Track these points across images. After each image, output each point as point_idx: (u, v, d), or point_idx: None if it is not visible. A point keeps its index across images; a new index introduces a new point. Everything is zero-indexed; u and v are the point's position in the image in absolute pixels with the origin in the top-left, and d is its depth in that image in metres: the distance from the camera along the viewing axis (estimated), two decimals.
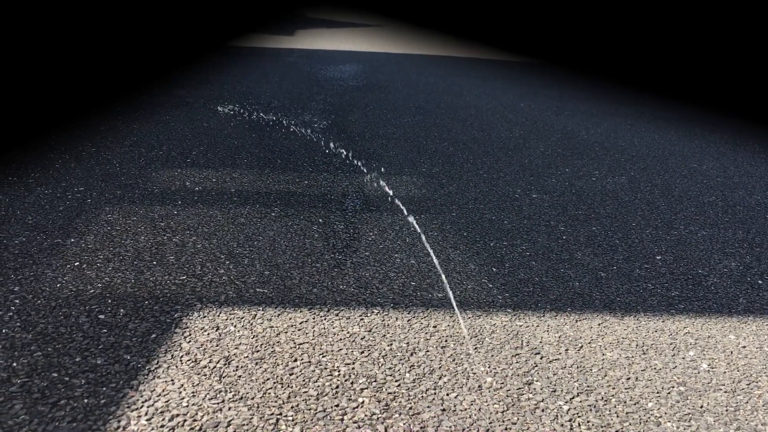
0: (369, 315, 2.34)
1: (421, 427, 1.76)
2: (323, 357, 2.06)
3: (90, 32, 6.05)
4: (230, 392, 1.85)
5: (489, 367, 2.08)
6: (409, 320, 2.32)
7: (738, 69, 8.60)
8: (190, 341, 2.08)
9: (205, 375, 1.92)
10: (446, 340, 2.21)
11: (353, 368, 2.01)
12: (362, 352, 2.10)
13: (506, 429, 1.78)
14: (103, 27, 6.38)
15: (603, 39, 11.42)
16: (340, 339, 2.17)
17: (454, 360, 2.10)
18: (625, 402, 1.94)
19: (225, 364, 1.98)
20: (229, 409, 1.77)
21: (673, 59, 9.75)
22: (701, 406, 1.94)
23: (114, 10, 6.59)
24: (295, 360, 2.03)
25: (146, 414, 1.72)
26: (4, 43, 4.32)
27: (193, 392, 1.83)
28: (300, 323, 2.24)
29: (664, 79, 9.46)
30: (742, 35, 8.53)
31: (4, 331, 2.05)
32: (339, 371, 1.99)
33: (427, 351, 2.14)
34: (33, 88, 4.81)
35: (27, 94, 4.72)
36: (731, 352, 2.27)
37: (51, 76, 5.17)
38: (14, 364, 1.88)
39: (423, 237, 3.05)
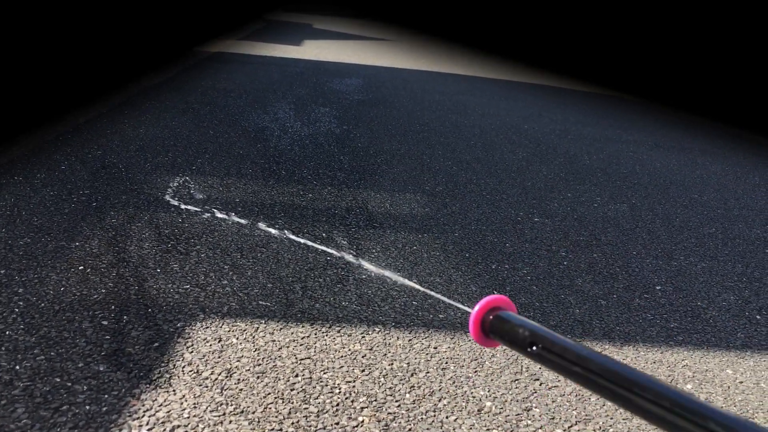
0: (370, 333, 2.35)
1: None
2: (324, 374, 2.07)
3: (99, 30, 6.08)
4: (231, 405, 1.85)
5: (489, 391, 2.09)
6: (410, 340, 2.34)
7: (742, 99, 8.67)
8: (192, 352, 2.09)
9: (207, 387, 1.92)
10: (447, 362, 2.22)
11: (354, 386, 2.02)
12: (363, 371, 2.11)
13: None
14: (112, 27, 6.41)
15: (609, 63, 11.52)
16: (342, 356, 2.18)
17: (454, 383, 2.11)
18: None
19: (227, 377, 1.98)
20: (230, 422, 1.78)
21: (678, 87, 9.84)
22: None
23: (117, 12, 6.63)
24: (297, 375, 2.04)
25: (147, 423, 1.73)
26: (7, 44, 4.35)
27: (194, 403, 1.84)
28: (302, 338, 2.25)
29: (668, 107, 9.52)
30: (748, 64, 8.61)
31: (7, 333, 2.05)
32: (340, 389, 2.00)
33: (428, 372, 2.15)
34: (33, 89, 4.82)
35: (26, 95, 4.73)
36: (728, 387, 2.29)
37: (57, 77, 5.19)
38: (17, 367, 1.89)
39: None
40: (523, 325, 0.64)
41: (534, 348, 0.61)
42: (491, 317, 0.68)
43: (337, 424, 1.83)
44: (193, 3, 9.72)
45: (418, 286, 2.80)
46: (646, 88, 10.38)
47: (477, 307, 0.69)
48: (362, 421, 1.86)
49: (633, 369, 0.53)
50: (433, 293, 2.70)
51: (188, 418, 1.77)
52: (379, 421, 1.87)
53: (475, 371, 2.19)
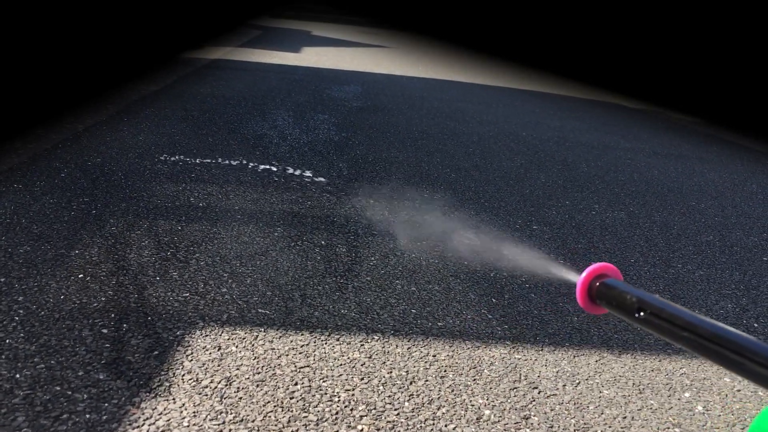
0: (369, 341, 2.36)
1: None
2: (323, 382, 2.08)
3: (95, 40, 6.10)
4: (231, 414, 1.86)
5: (487, 399, 2.09)
6: (409, 348, 2.34)
7: (740, 108, 8.71)
8: (191, 360, 2.10)
9: (207, 395, 1.93)
10: (445, 370, 2.23)
11: (353, 395, 2.03)
12: (362, 379, 2.12)
13: None
14: (109, 35, 6.43)
15: (607, 69, 11.56)
16: (341, 364, 2.19)
17: (453, 391, 2.11)
18: None
19: (226, 385, 1.99)
20: (230, 430, 1.79)
21: (676, 95, 9.87)
22: None
23: (117, 12, 6.65)
24: (296, 384, 2.05)
25: None
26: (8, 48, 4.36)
27: (194, 412, 1.84)
28: (301, 346, 2.26)
29: (666, 115, 9.55)
30: (746, 73, 8.64)
31: (7, 341, 2.06)
32: (339, 397, 2.01)
33: (427, 380, 2.16)
34: (31, 95, 4.84)
35: (28, 102, 4.75)
36: (726, 395, 2.30)
37: (53, 85, 5.20)
38: (17, 376, 1.89)
39: None
40: (630, 291, 0.64)
41: (642, 314, 0.62)
42: (597, 284, 0.69)
43: None
44: (189, 10, 9.76)
45: None
46: (645, 95, 10.42)
47: (584, 274, 0.70)
48: (361, 430, 1.87)
49: (743, 334, 0.53)
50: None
51: (188, 426, 1.78)
52: (378, 430, 1.87)
53: (474, 379, 2.20)
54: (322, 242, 3.21)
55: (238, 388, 1.99)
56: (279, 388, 2.01)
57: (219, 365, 2.09)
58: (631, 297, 0.64)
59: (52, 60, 5.18)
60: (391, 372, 2.18)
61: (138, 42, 7.38)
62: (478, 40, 16.77)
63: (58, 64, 5.31)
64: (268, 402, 1.93)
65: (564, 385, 2.23)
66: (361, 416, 1.93)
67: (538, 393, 2.17)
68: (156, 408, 1.84)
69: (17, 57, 4.59)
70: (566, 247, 3.54)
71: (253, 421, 1.84)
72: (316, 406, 1.94)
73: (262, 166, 4.37)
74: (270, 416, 1.87)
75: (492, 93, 9.80)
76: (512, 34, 15.28)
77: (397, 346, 2.35)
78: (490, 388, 2.16)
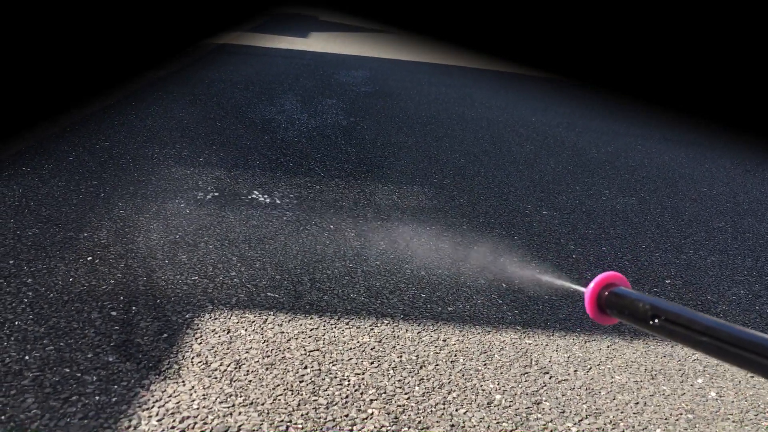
0: (379, 325, 2.34)
1: None
2: (333, 366, 2.06)
3: (105, 24, 6.07)
4: (241, 397, 1.85)
5: (498, 384, 2.08)
6: (419, 332, 2.33)
7: (752, 93, 8.62)
8: (201, 343, 2.09)
9: (216, 378, 1.92)
10: (456, 355, 2.21)
11: (363, 378, 2.02)
12: (372, 363, 2.11)
13: None
14: (118, 20, 6.40)
15: (617, 57, 11.46)
16: (351, 348, 2.18)
17: (463, 375, 2.10)
18: (633, 427, 1.94)
19: (236, 368, 1.98)
20: (240, 413, 1.78)
21: (688, 82, 9.78)
22: None
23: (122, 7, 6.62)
24: (306, 367, 2.03)
25: (157, 415, 1.73)
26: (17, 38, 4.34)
27: (203, 395, 1.83)
28: (310, 330, 2.25)
29: (676, 101, 9.47)
30: (755, 63, 8.55)
31: (17, 323, 2.05)
32: (349, 381, 1.99)
33: (437, 365, 2.14)
34: (42, 80, 4.82)
35: (37, 86, 4.74)
36: (739, 382, 2.28)
37: (63, 68, 5.18)
38: (26, 357, 1.89)
39: None
40: (643, 299, 0.63)
41: (656, 321, 0.61)
42: (606, 293, 0.68)
43: (347, 416, 1.83)
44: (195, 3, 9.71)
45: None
46: (645, 93, 10.32)
47: (592, 285, 0.69)
48: (372, 414, 1.85)
49: (765, 335, 0.52)
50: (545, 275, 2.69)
51: (198, 409, 1.77)
52: (388, 414, 1.86)
53: (485, 364, 2.18)
54: (331, 226, 3.19)
55: (248, 371, 1.98)
56: (288, 371, 2.00)
57: (228, 348, 2.08)
58: (644, 304, 0.63)
59: (56, 55, 5.16)
60: (401, 356, 2.17)
61: (143, 32, 7.34)
62: (484, 41, 16.61)
63: (64, 58, 5.29)
64: (278, 385, 1.92)
65: (575, 371, 2.21)
66: (372, 400, 1.91)
67: (549, 378, 2.15)
68: (165, 390, 1.83)
69: (27, 49, 4.57)
70: (576, 233, 3.51)
71: (262, 404, 1.83)
72: (326, 390, 1.93)
73: (269, 150, 4.35)
74: (280, 399, 1.86)
75: (500, 78, 9.73)
76: (514, 34, 15.14)
77: (407, 330, 2.34)
78: (501, 373, 2.14)
